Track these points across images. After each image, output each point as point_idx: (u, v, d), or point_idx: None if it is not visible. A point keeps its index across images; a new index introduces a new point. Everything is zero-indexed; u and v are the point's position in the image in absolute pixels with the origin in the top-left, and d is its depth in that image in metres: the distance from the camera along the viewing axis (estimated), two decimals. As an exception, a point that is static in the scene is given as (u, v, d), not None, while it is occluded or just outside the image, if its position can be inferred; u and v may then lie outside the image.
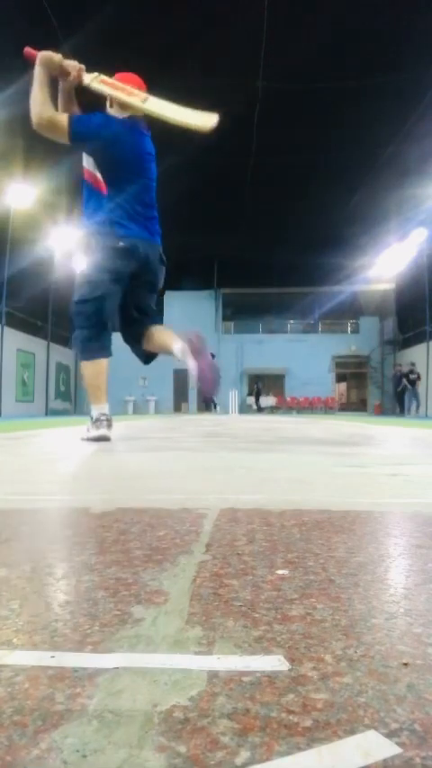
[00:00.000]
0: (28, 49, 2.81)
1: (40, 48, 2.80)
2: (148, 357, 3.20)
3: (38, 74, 2.76)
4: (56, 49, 2.85)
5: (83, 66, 2.85)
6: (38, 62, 2.77)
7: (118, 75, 2.92)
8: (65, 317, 19.73)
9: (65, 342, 20.43)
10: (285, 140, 11.13)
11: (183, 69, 8.41)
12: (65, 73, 2.85)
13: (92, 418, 2.89)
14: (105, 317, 2.89)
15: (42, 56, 2.78)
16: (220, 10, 7.60)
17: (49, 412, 17.68)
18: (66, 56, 2.84)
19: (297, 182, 12.87)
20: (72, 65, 2.83)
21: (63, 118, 2.74)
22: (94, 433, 2.85)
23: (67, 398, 20.63)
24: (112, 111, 2.92)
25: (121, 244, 2.85)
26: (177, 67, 8.38)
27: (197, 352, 2.69)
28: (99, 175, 2.95)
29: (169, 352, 2.93)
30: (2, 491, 1.22)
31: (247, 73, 8.83)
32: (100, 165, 2.91)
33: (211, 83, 8.66)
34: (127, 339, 3.19)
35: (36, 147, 10.59)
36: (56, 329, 18.85)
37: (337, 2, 7.50)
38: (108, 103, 2.94)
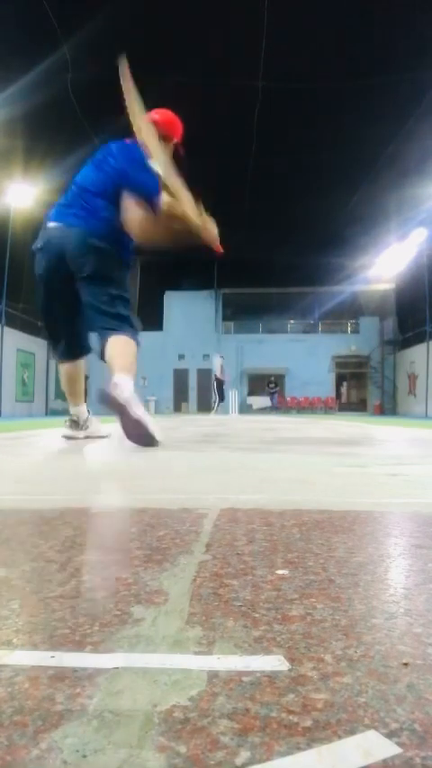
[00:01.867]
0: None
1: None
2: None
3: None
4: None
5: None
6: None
7: (155, 112, 2.71)
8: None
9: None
10: (285, 140, 11.11)
11: (183, 69, 8.41)
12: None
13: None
14: (47, 324, 2.86)
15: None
16: (220, 10, 7.59)
17: (49, 412, 17.67)
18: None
19: (297, 181, 12.85)
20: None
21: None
22: (68, 432, 3.08)
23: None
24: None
25: (37, 245, 2.64)
26: (178, 67, 8.37)
27: (117, 407, 2.33)
28: None
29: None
30: (2, 491, 1.22)
31: (247, 73, 8.81)
32: None
33: (211, 83, 8.66)
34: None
35: (36, 147, 10.59)
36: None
37: (337, 1, 7.49)
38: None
